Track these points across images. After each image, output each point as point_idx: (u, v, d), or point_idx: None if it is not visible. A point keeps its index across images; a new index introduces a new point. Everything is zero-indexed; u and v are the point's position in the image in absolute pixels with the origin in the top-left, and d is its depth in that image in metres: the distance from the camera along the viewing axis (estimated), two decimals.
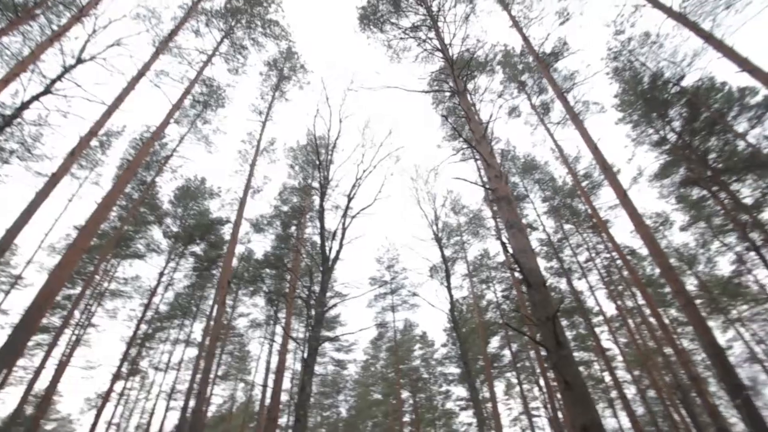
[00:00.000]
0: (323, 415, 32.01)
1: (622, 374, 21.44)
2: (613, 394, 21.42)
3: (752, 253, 16.18)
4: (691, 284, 21.40)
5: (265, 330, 23.41)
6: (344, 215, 14.17)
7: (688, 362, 13.38)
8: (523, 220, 21.78)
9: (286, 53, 21.26)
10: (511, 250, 7.32)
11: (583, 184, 19.76)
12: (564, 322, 22.10)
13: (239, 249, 23.65)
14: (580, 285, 21.71)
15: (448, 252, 22.59)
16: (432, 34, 12.82)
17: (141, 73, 12.80)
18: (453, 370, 27.88)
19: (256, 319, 24.12)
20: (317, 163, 15.27)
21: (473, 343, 23.54)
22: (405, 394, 28.14)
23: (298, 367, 22.63)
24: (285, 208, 21.94)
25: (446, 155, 25.71)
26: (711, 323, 20.77)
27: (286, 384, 24.80)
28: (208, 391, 22.01)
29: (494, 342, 25.10)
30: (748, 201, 16.46)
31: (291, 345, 20.63)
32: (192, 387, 16.21)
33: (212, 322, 13.43)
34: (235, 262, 22.45)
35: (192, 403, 14.52)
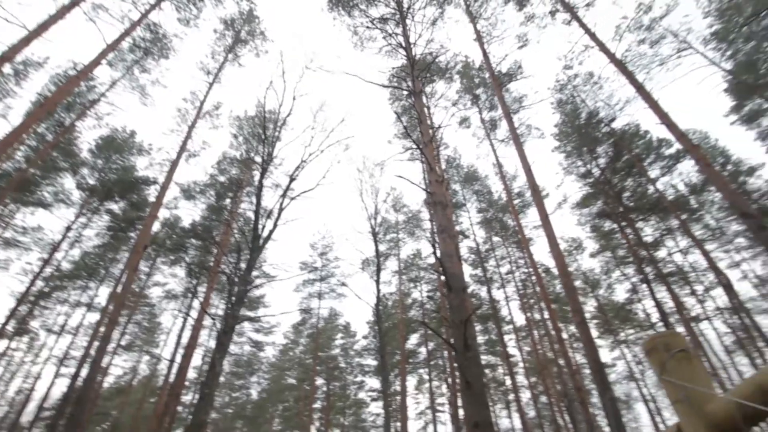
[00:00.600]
0: (232, 396, 31.09)
1: (521, 379, 23.32)
2: (511, 396, 23.23)
3: (644, 285, 18.35)
4: (591, 305, 23.81)
5: (181, 303, 22.17)
6: (284, 195, 13.83)
7: (576, 374, 14.93)
8: (457, 227, 22.76)
9: (246, 15, 20.11)
10: (438, 254, 7.66)
11: (516, 201, 21.11)
12: (479, 327, 23.54)
13: (164, 214, 22.13)
14: (498, 294, 23.23)
15: (382, 247, 22.93)
16: (399, 30, 12.85)
17: (74, 3, 11.40)
18: (370, 361, 28.49)
19: (172, 290, 22.72)
20: (263, 137, 14.72)
21: (393, 337, 24.19)
22: (320, 381, 28.25)
23: (212, 344, 21.73)
24: (222, 179, 20.86)
25: (395, 152, 26.01)
26: (601, 342, 23.35)
27: (197, 361, 23.76)
28: (106, 361, 20.40)
29: (413, 339, 26.00)
30: (649, 239, 18.67)
31: (207, 321, 19.76)
32: (88, 354, 14.93)
33: (121, 288, 12.44)
34: (157, 226, 20.97)
35: (85, 371, 13.38)
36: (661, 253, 19.22)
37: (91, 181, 20.17)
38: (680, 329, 17.59)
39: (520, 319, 28.60)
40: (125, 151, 21.51)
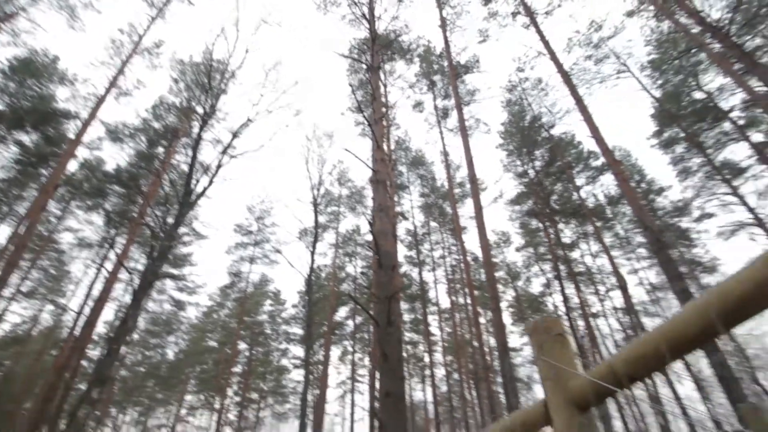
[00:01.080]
0: (146, 354, 29.73)
1: (438, 357, 24.84)
2: (427, 372, 24.73)
3: (557, 281, 20.19)
4: (510, 295, 25.73)
5: (96, 252, 20.52)
6: (224, 152, 13.21)
7: (487, 356, 16.25)
8: (398, 208, 23.24)
9: None
10: (374, 231, 7.86)
11: (456, 191, 21.94)
12: (406, 306, 24.53)
13: (84, 153, 20.09)
14: (429, 277, 24.29)
15: (322, 219, 22.83)
16: (365, 0, 12.52)
17: None
18: (297, 330, 28.61)
19: (86, 238, 20.90)
20: (207, 87, 13.81)
21: (322, 308, 24.44)
22: (242, 346, 27.91)
23: (128, 299, 20.46)
24: (156, 125, 19.23)
25: (347, 125, 25.74)
26: (514, 328, 25.44)
27: (108, 315, 22.36)
28: (1, 306, 18.48)
29: (342, 312, 26.47)
30: (567, 240, 20.45)
31: (124, 275, 18.53)
32: None
33: (24, 229, 11.23)
34: (74, 166, 19.06)
35: None
36: (575, 254, 21.19)
37: (0, 106, 17.64)
38: (581, 323, 19.71)
39: (445, 302, 30.22)
40: (44, 77, 18.97)
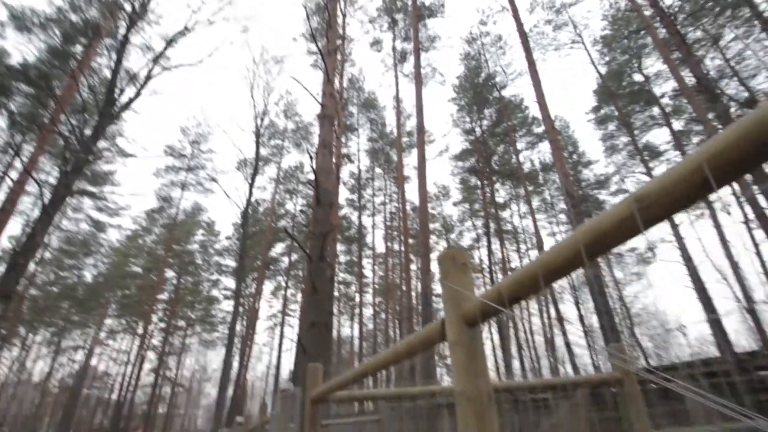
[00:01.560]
0: (60, 275, 27.79)
1: (368, 298, 26.11)
2: (357, 311, 26.02)
3: (485, 237, 21.61)
4: (442, 245, 27.16)
5: None
6: (155, 61, 11.92)
7: (412, 299, 17.39)
8: (345, 150, 22.84)
9: None
10: (315, 166, 7.76)
11: (404, 139, 21.96)
12: (343, 248, 25.03)
13: None
14: (368, 221, 24.75)
15: (264, 151, 21.88)
16: None
17: None
18: (230, 262, 28.19)
19: None
20: None
21: (258, 243, 24.17)
22: (170, 274, 27.08)
23: (37, 214, 18.56)
24: (74, 18, 16.48)
25: (299, 52, 24.03)
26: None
27: (15, 230, 20.31)
28: None
29: (279, 248, 26.40)
30: (500, 200, 21.67)
31: (34, 188, 16.64)
32: None
33: None
34: None
35: None
36: (506, 214, 22.64)
37: None
38: (500, 276, 21.55)
39: (380, 247, 31.30)
40: None
